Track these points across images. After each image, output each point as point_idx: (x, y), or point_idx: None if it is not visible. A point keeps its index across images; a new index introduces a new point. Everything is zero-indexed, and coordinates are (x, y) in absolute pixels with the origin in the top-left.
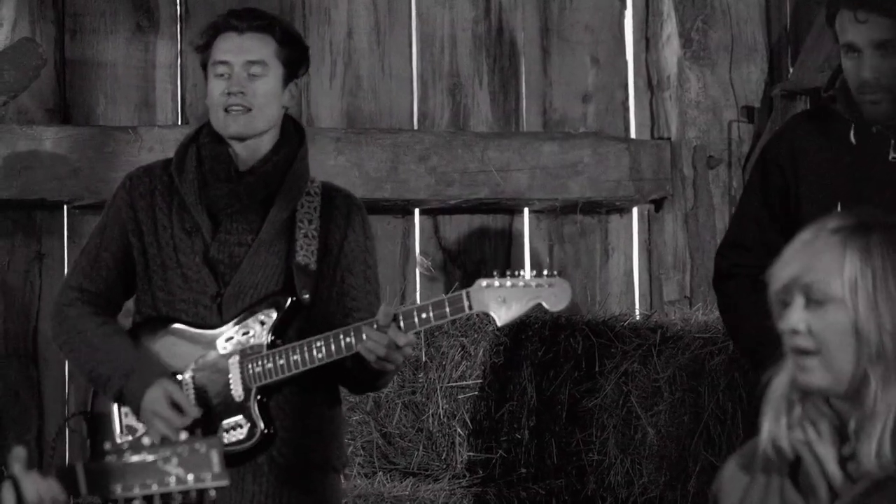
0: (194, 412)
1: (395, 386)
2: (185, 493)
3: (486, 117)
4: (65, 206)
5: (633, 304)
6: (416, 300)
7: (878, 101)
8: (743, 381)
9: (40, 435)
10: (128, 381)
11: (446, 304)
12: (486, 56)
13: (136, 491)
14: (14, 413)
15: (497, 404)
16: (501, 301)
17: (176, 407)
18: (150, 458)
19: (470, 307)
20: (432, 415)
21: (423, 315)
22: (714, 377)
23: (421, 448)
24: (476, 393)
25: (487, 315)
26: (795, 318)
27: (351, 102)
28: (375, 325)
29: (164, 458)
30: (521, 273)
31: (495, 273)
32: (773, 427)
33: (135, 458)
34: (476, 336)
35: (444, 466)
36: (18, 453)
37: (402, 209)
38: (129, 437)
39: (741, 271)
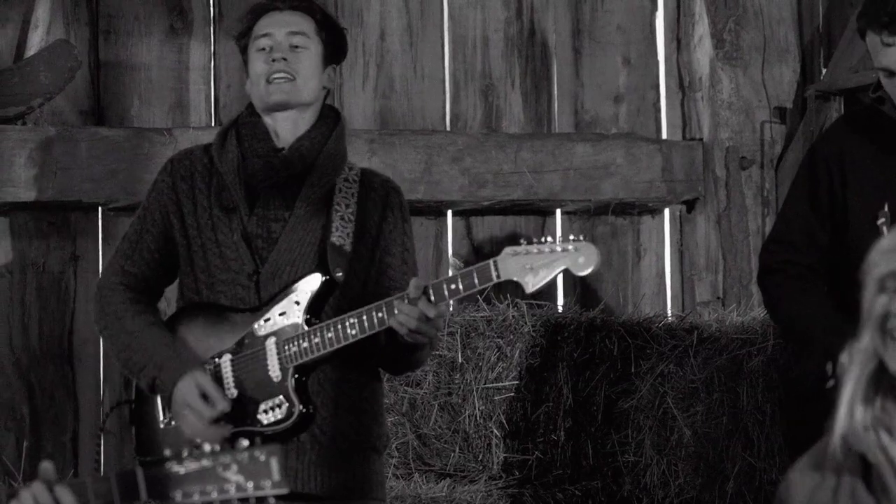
0: (224, 405)
1: (431, 387)
2: (245, 501)
3: (518, 118)
4: (99, 208)
5: (665, 305)
6: (448, 301)
7: None
8: (782, 383)
9: (76, 436)
10: (160, 373)
11: (474, 273)
12: (518, 57)
13: (196, 498)
14: (50, 414)
15: (533, 405)
16: (529, 268)
17: (206, 398)
18: (209, 464)
19: (498, 276)
20: (468, 416)
21: (453, 286)
22: (753, 378)
23: (457, 449)
24: (512, 394)
25: (516, 283)
26: None
27: (384, 104)
28: (406, 299)
29: (223, 465)
30: (548, 239)
31: (522, 241)
32: (847, 425)
33: (195, 465)
34: (512, 337)
35: (481, 468)
36: (46, 469)
37: (435, 211)
38: (172, 423)
39: (787, 267)
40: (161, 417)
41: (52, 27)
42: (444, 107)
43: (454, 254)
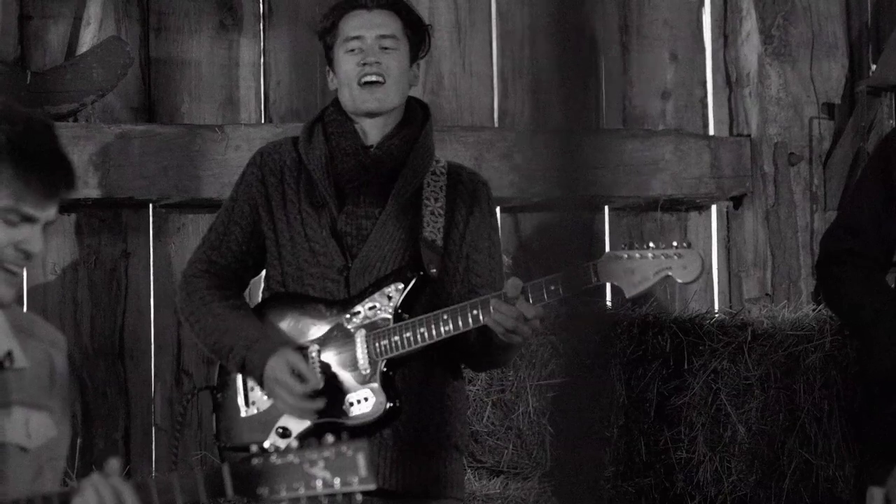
0: (316, 381)
1: (484, 384)
2: (332, 497)
3: (565, 115)
4: (151, 205)
5: (713, 301)
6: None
7: None
8: (841, 379)
9: (128, 433)
10: (249, 352)
11: (574, 275)
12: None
13: (283, 494)
14: (102, 412)
15: None
16: (630, 272)
17: (298, 376)
18: (296, 460)
19: (597, 279)
20: (522, 413)
21: (552, 287)
22: (810, 375)
23: (510, 446)
24: None
25: (616, 287)
26: None
27: (432, 100)
28: (503, 298)
29: (310, 460)
30: (650, 245)
31: (623, 244)
32: None
33: (281, 461)
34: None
35: (534, 464)
36: (112, 465)
37: None
38: (255, 412)
39: (851, 258)
40: (243, 406)
41: (104, 24)
42: (492, 103)
43: (503, 250)
